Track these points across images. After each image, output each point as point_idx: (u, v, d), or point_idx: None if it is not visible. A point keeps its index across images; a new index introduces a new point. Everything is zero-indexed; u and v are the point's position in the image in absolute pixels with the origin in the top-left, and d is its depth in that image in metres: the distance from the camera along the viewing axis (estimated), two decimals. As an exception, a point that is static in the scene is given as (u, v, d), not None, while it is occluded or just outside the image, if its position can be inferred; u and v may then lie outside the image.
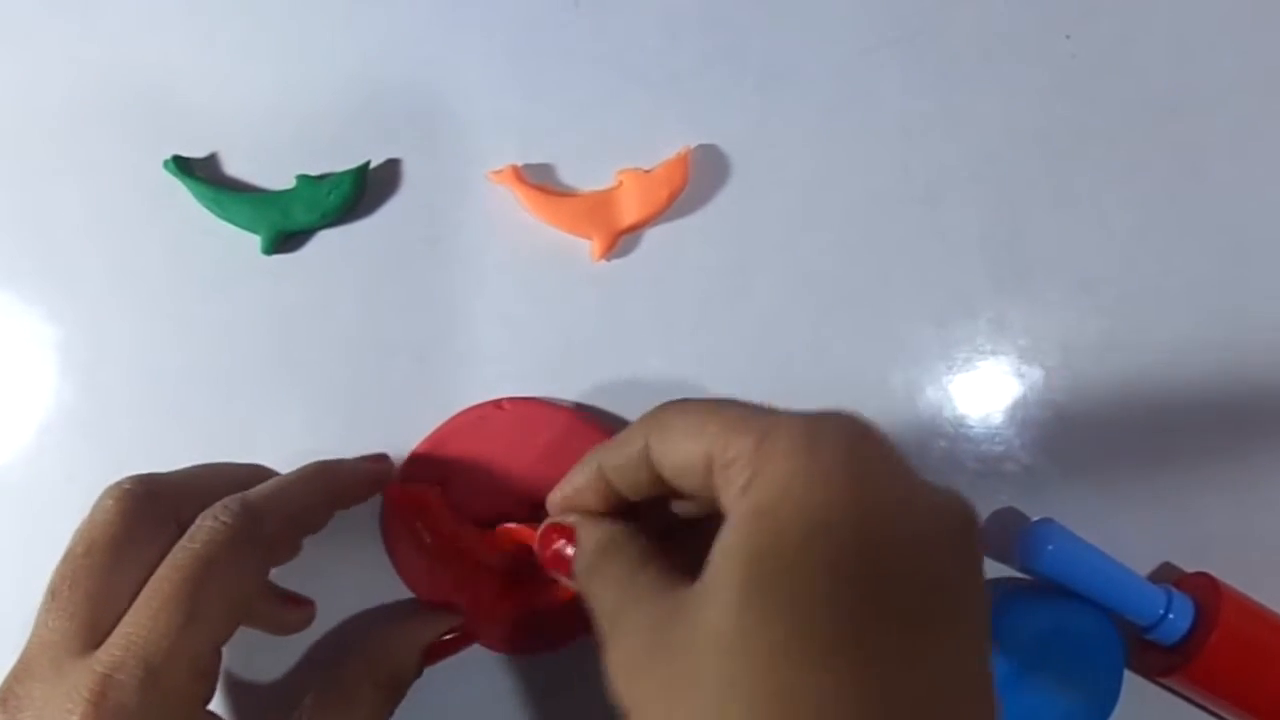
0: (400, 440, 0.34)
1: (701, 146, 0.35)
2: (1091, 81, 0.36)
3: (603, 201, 0.35)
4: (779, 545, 0.20)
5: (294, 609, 0.33)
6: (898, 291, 0.35)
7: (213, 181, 0.35)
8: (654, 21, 0.36)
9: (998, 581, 0.35)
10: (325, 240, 0.35)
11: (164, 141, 0.35)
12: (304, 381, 0.35)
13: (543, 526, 0.27)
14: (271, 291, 0.35)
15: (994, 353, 0.35)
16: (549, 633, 0.33)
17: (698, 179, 0.35)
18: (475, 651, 0.34)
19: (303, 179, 0.35)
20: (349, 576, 0.34)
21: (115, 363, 0.35)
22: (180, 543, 0.26)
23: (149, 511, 0.27)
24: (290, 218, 0.35)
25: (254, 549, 0.26)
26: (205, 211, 0.35)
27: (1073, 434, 0.35)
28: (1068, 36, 0.36)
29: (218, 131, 0.36)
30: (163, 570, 0.25)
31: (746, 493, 0.22)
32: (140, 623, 0.24)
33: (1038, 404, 0.35)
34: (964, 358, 0.35)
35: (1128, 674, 0.34)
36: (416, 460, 0.34)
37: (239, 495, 0.27)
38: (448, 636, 0.33)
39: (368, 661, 0.30)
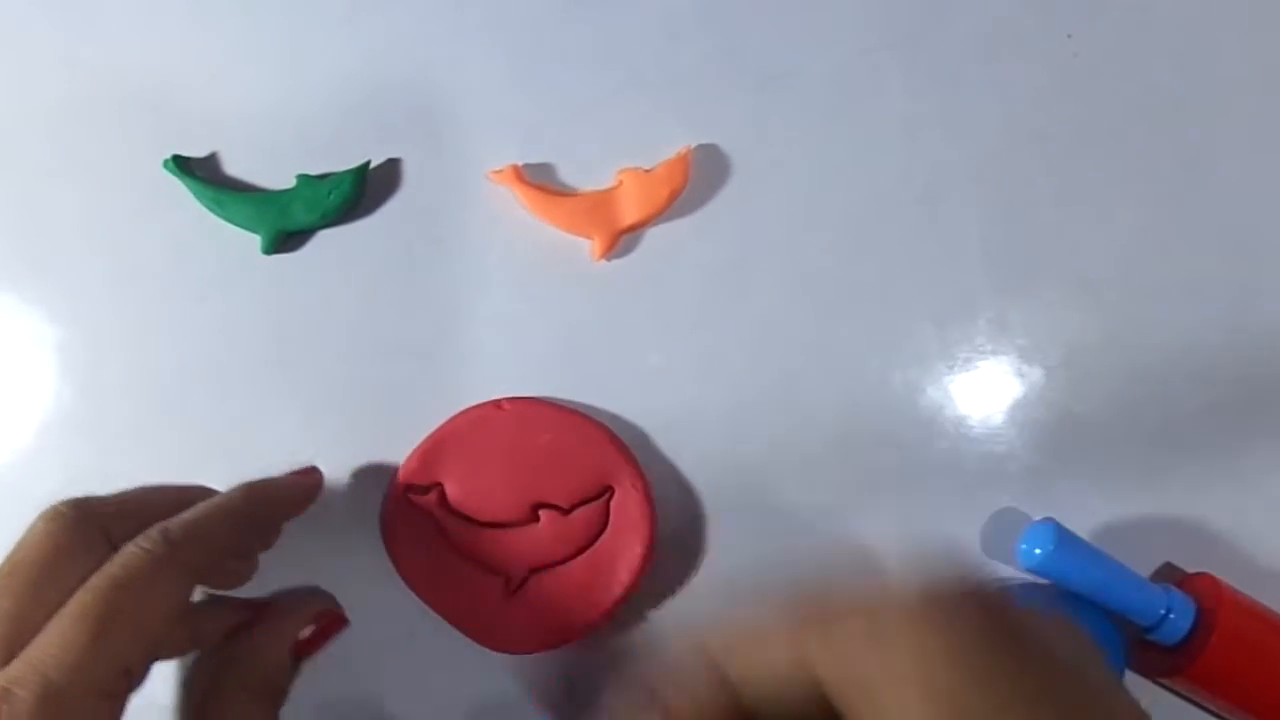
0: (400, 440, 0.34)
1: (701, 146, 0.35)
2: (1093, 81, 0.36)
3: (603, 201, 0.35)
4: None
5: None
6: (898, 291, 0.35)
7: (213, 181, 0.35)
8: (654, 21, 0.36)
9: (998, 583, 0.35)
10: (325, 240, 0.35)
11: (164, 141, 0.35)
12: (304, 381, 0.35)
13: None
14: (271, 291, 0.35)
15: (994, 353, 0.35)
16: (549, 633, 0.33)
17: (698, 179, 0.35)
18: (475, 651, 0.34)
19: (303, 178, 0.35)
20: (349, 576, 0.34)
21: (115, 363, 0.35)
22: (101, 568, 0.25)
23: (78, 535, 0.26)
24: (290, 217, 0.35)
25: (172, 574, 0.26)
26: (205, 211, 0.35)
27: (1073, 434, 0.35)
28: (1069, 36, 0.36)
29: (218, 131, 0.36)
30: (78, 593, 0.25)
31: (879, 691, 0.19)
32: (46, 640, 0.24)
33: (1038, 404, 0.35)
34: (964, 358, 0.35)
35: (1128, 674, 0.34)
36: (417, 460, 0.33)
37: (161, 523, 0.27)
38: (312, 629, 0.31)
39: (238, 669, 0.29)
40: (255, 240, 0.35)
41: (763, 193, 0.35)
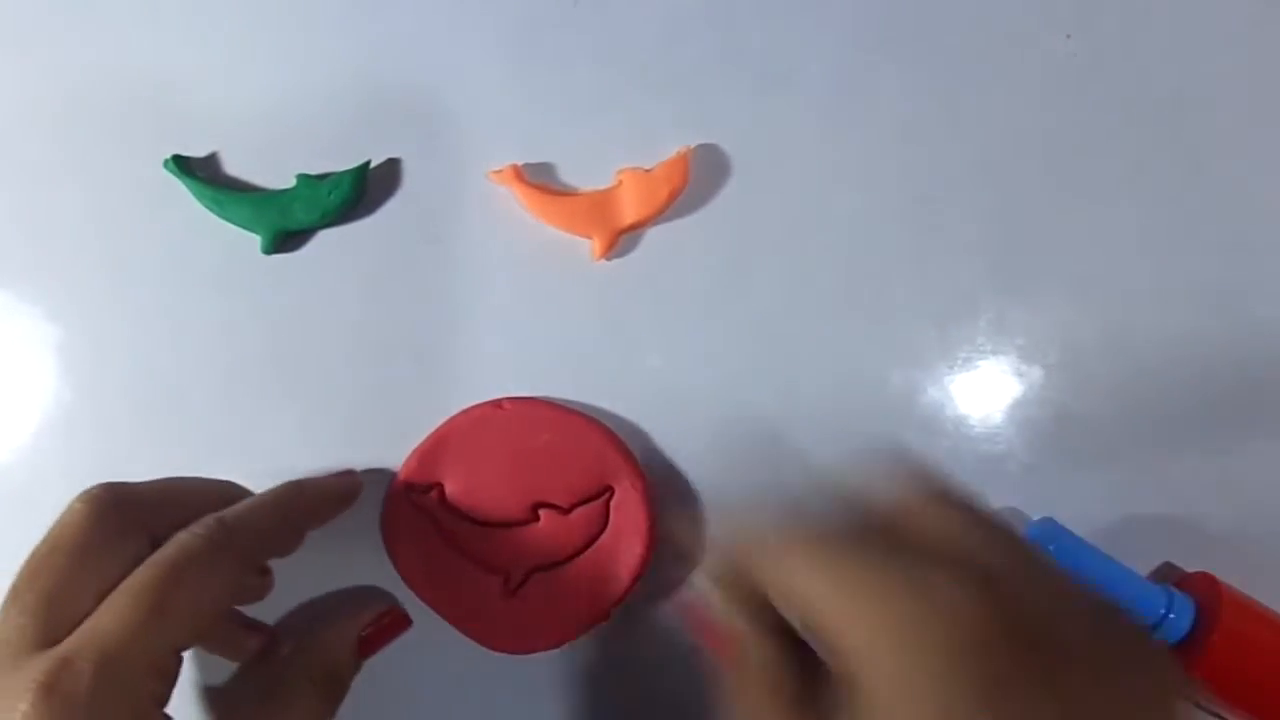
0: (400, 440, 0.34)
1: (701, 146, 0.35)
2: (1092, 81, 0.36)
3: (603, 201, 0.35)
4: None
5: (253, 637, 0.33)
6: (898, 291, 0.35)
7: (213, 181, 0.35)
8: (654, 21, 0.36)
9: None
10: (325, 240, 0.35)
11: (164, 141, 0.35)
12: (303, 381, 0.35)
13: (719, 618, 0.26)
14: (271, 291, 0.35)
15: (994, 353, 0.35)
16: (549, 633, 0.33)
17: (698, 179, 0.35)
18: (476, 651, 0.34)
19: (303, 178, 0.35)
20: (349, 576, 0.34)
21: (115, 363, 0.35)
22: (158, 551, 0.26)
23: (116, 518, 0.27)
24: (290, 217, 0.35)
25: (227, 562, 0.27)
26: (205, 211, 0.35)
27: (1073, 434, 0.35)
28: (1068, 36, 0.36)
29: (218, 131, 0.36)
30: (134, 574, 0.25)
31: (856, 684, 0.21)
32: (103, 616, 0.24)
33: (1038, 403, 0.35)
34: (964, 357, 0.35)
35: (1128, 674, 0.34)
36: (417, 460, 0.34)
37: (215, 514, 0.27)
38: (377, 625, 0.32)
39: (303, 660, 0.30)
40: (255, 240, 0.35)
41: (763, 193, 0.35)
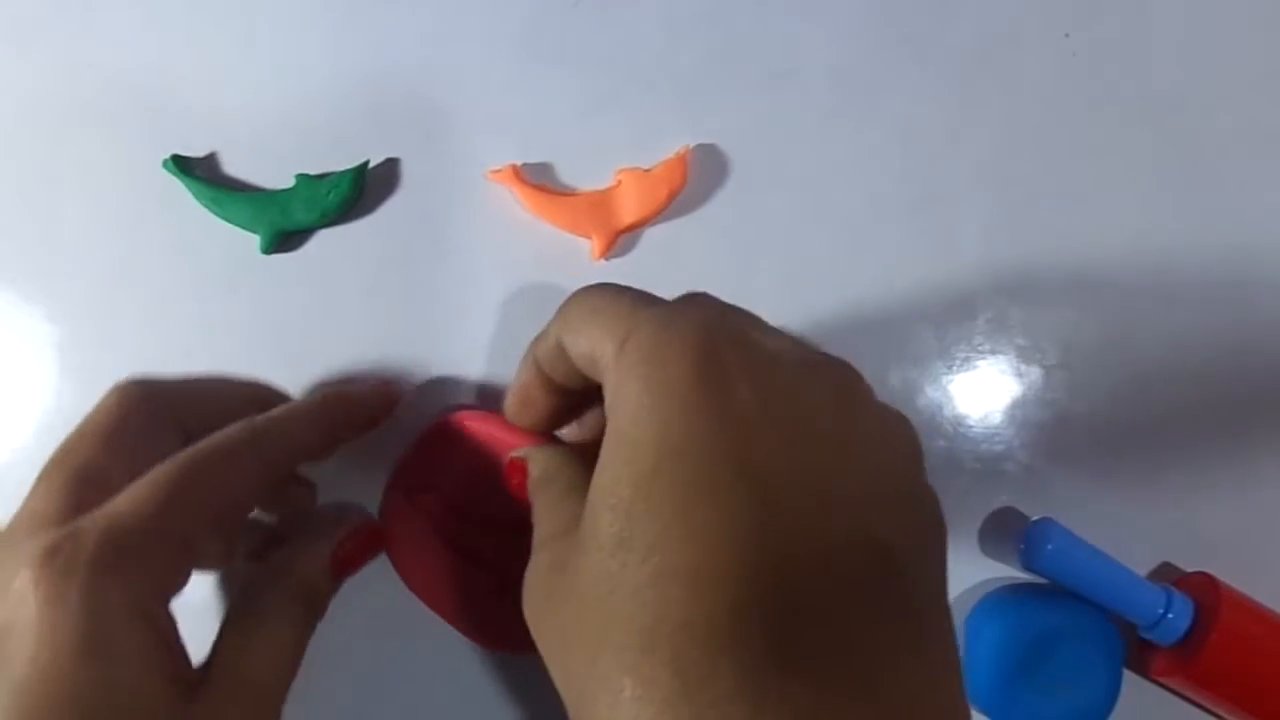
0: (399, 439, 0.34)
1: (701, 146, 0.35)
2: (1092, 80, 0.36)
3: (602, 201, 0.35)
4: (639, 483, 0.20)
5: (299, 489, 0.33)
6: (897, 291, 0.35)
7: (212, 181, 0.35)
8: (654, 21, 0.36)
9: (997, 582, 0.35)
10: (324, 240, 0.35)
11: (164, 141, 0.35)
12: (303, 380, 0.35)
13: (506, 461, 0.28)
14: (271, 291, 0.35)
15: (993, 352, 0.35)
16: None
17: (697, 178, 0.35)
18: (476, 651, 0.34)
19: (302, 178, 0.35)
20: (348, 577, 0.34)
21: (115, 362, 0.35)
22: (184, 449, 0.26)
23: (146, 407, 0.28)
24: (289, 217, 0.35)
25: (251, 463, 0.27)
26: (204, 211, 0.35)
27: (1073, 434, 0.35)
28: (1067, 35, 0.36)
29: (217, 131, 0.36)
30: (160, 465, 0.25)
31: (611, 415, 0.21)
32: (120, 499, 0.24)
33: (1037, 404, 0.35)
34: (963, 357, 0.35)
35: (1128, 674, 0.34)
36: (414, 458, 0.33)
37: (249, 417, 0.28)
38: (352, 542, 0.31)
39: (278, 578, 0.29)
40: (254, 240, 0.35)
41: (762, 192, 0.35)
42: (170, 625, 0.25)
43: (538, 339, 0.26)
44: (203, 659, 0.26)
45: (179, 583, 0.25)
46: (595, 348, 0.23)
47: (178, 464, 0.25)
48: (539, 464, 0.27)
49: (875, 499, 0.21)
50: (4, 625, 0.23)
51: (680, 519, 0.19)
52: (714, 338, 0.21)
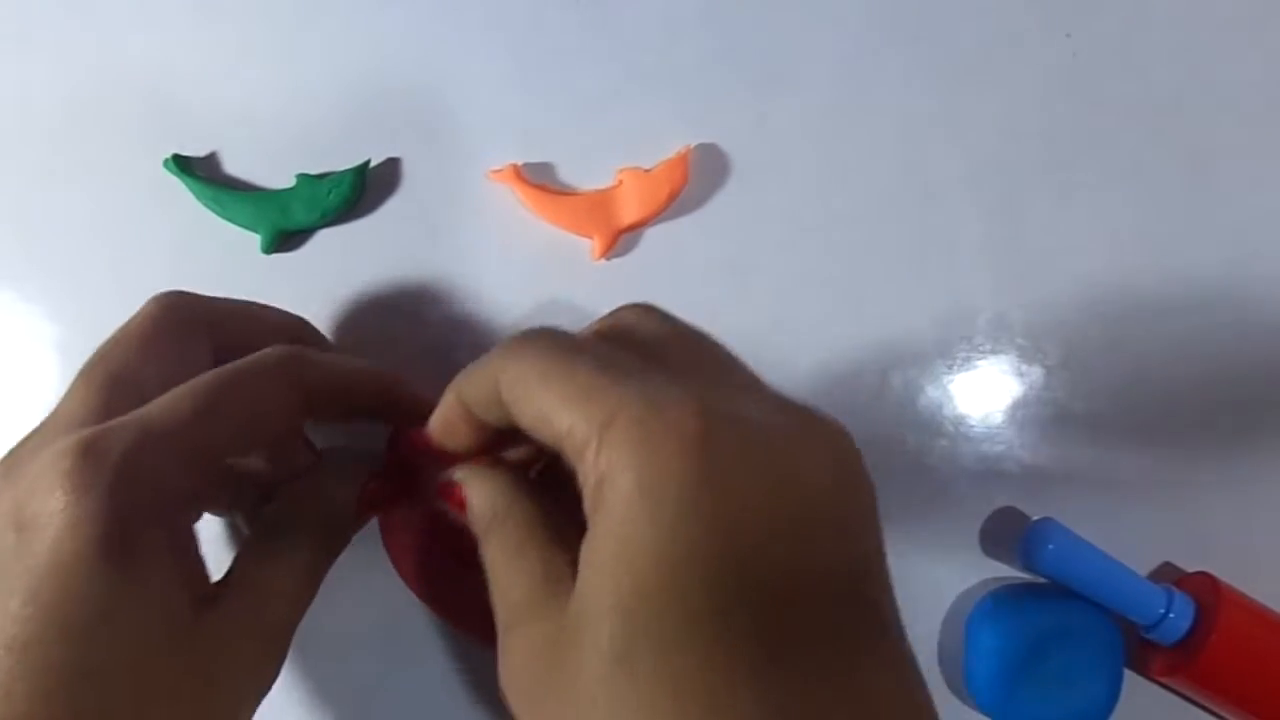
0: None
1: (701, 146, 0.35)
2: (1092, 80, 0.36)
3: (603, 200, 0.35)
4: (643, 594, 0.19)
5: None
6: (898, 291, 0.35)
7: (213, 180, 0.35)
8: (654, 21, 0.36)
9: (997, 582, 0.35)
10: (325, 239, 0.35)
11: (164, 140, 0.35)
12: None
13: (438, 483, 0.26)
14: (271, 291, 0.35)
15: (994, 352, 0.35)
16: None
17: (697, 178, 0.35)
18: (475, 651, 0.34)
19: (303, 178, 0.35)
20: (349, 576, 0.34)
21: (115, 362, 0.35)
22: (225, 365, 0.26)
23: (183, 317, 0.28)
24: (290, 217, 0.35)
25: (289, 388, 0.26)
26: (205, 210, 0.35)
27: (1073, 434, 0.35)
28: (1068, 35, 0.36)
29: (218, 130, 0.36)
30: (197, 377, 0.25)
31: (598, 505, 0.20)
32: (155, 405, 0.24)
33: (1038, 403, 0.35)
34: (964, 357, 0.35)
35: (1128, 674, 0.34)
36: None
37: (296, 345, 0.27)
38: (376, 485, 0.29)
39: (302, 504, 0.28)
40: (255, 239, 0.35)
41: (762, 192, 0.35)
42: (191, 538, 0.25)
43: (466, 379, 0.24)
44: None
45: (205, 498, 0.26)
46: (560, 423, 0.21)
47: (218, 376, 0.25)
48: (482, 496, 0.25)
49: (866, 563, 0.21)
50: (31, 517, 0.22)
51: (689, 631, 0.19)
52: (709, 423, 0.20)
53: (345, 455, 0.31)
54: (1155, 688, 0.35)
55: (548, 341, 0.23)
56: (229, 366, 0.25)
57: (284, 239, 0.35)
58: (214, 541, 0.32)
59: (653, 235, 0.35)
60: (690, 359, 0.24)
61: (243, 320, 0.30)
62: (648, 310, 0.26)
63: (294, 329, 0.31)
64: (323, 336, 0.33)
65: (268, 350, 0.26)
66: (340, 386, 0.28)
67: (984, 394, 0.35)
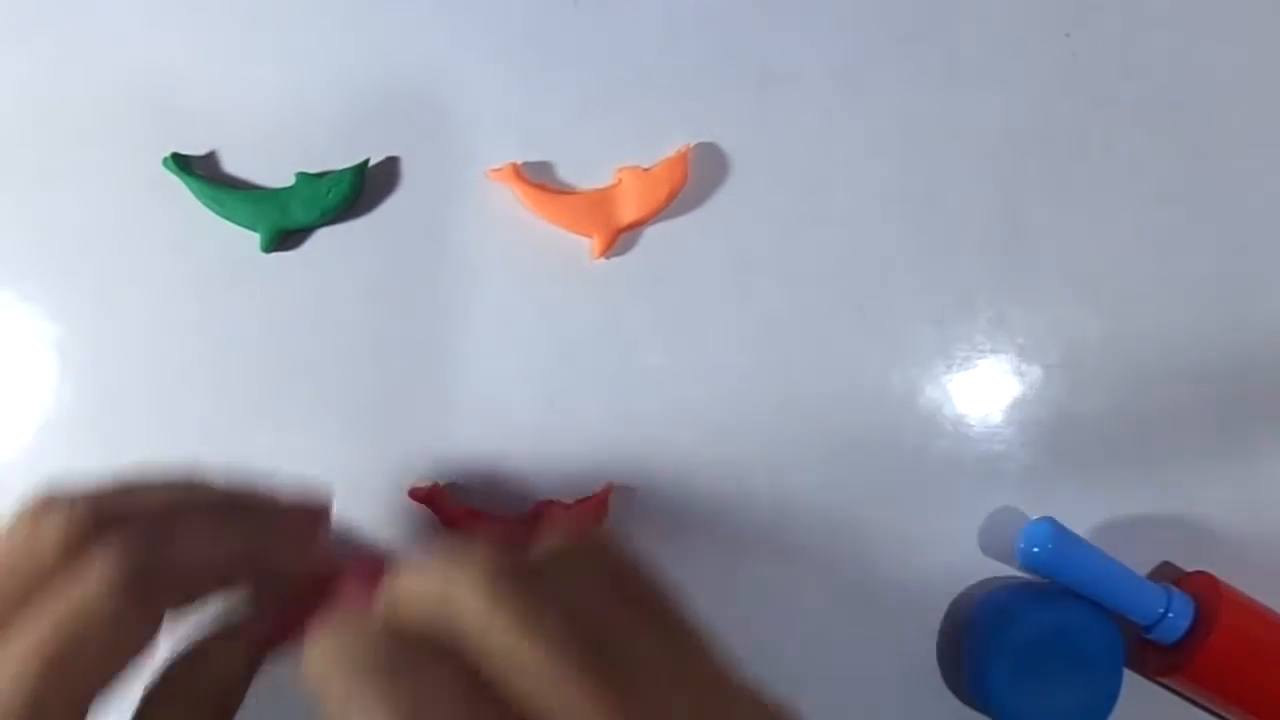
0: (399, 437, 0.34)
1: (701, 145, 0.35)
2: (1092, 80, 0.36)
3: (602, 199, 0.35)
4: None
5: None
6: (898, 291, 0.35)
7: (212, 179, 0.35)
8: (654, 21, 0.36)
9: (997, 581, 0.35)
10: (324, 238, 0.35)
11: (164, 139, 0.35)
12: (303, 379, 0.35)
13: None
14: (271, 289, 0.35)
15: (994, 351, 0.35)
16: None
17: (697, 177, 0.35)
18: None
19: (302, 177, 0.35)
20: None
21: (115, 361, 0.35)
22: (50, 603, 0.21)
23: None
24: (289, 215, 0.35)
25: (138, 621, 0.22)
26: (205, 209, 0.35)
27: (1073, 433, 0.35)
28: (1068, 35, 0.36)
29: (217, 129, 0.36)
30: (10, 662, 0.21)
31: None
32: None
33: (1038, 403, 0.35)
34: (963, 357, 0.35)
35: (1128, 674, 0.34)
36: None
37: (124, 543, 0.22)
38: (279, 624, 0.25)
39: (188, 681, 0.24)
40: (254, 238, 0.35)
41: (762, 192, 0.35)
42: None
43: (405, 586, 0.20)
44: None
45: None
46: None
47: (37, 658, 0.20)
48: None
49: None
50: None
51: None
52: None
53: (234, 613, 0.25)
54: (1155, 687, 0.35)
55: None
56: (52, 627, 0.21)
57: (283, 238, 0.35)
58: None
59: (652, 234, 0.35)
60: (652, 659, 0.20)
61: (126, 501, 0.24)
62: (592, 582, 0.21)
63: (176, 497, 0.25)
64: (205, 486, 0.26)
65: (98, 577, 0.21)
66: (200, 582, 0.24)
67: (984, 394, 0.35)
